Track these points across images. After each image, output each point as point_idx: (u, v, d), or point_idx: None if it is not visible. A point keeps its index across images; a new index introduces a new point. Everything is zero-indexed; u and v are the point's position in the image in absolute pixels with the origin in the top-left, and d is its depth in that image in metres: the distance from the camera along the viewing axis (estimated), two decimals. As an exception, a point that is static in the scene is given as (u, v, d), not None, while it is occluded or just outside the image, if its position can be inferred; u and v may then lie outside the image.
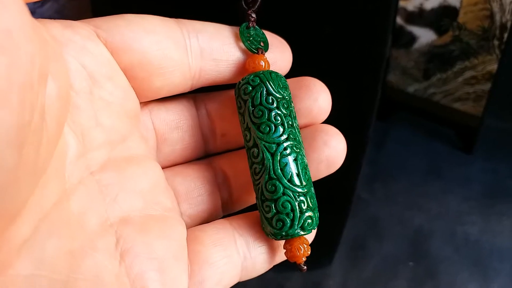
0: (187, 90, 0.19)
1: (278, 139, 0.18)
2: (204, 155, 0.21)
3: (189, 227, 0.19)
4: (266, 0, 0.22)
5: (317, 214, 0.18)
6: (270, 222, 0.18)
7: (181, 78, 0.18)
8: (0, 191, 0.11)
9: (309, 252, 0.18)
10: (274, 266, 0.20)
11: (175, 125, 0.19)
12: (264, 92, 0.18)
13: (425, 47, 0.46)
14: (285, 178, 0.18)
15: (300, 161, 0.18)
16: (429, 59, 0.47)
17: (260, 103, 0.18)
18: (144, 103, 0.19)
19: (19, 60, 0.11)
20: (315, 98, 0.19)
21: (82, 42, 0.16)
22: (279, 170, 0.18)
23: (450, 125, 0.49)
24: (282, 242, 0.19)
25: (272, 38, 0.20)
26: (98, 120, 0.16)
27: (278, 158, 0.18)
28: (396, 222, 0.43)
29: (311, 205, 0.18)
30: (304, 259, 0.18)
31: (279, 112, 0.18)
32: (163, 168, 0.19)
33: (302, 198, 0.18)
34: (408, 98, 0.50)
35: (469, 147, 0.49)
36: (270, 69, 0.19)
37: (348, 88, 0.29)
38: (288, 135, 0.18)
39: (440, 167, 0.48)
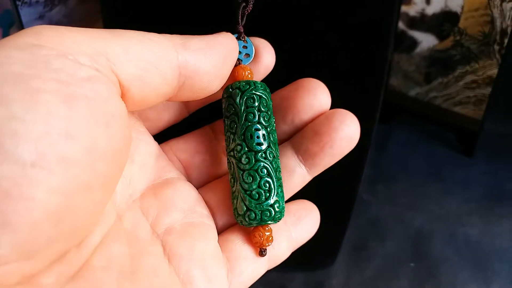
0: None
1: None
2: None
3: (220, 232, 0.22)
4: (273, 10, 0.23)
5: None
6: None
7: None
8: (96, 211, 0.17)
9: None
10: (277, 267, 0.23)
11: (194, 150, 0.23)
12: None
13: (426, 51, 0.46)
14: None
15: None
16: (430, 64, 0.47)
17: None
18: (165, 142, 0.23)
19: (127, 145, 0.17)
20: (314, 94, 0.22)
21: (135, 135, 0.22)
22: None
23: (451, 128, 0.50)
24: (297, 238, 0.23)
25: (257, 42, 0.23)
26: (132, 157, 0.21)
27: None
28: (398, 223, 0.44)
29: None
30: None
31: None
32: (198, 187, 0.23)
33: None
34: (410, 102, 0.50)
35: (470, 150, 0.49)
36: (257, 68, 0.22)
37: (352, 92, 0.30)
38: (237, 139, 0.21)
39: (441, 169, 0.48)
